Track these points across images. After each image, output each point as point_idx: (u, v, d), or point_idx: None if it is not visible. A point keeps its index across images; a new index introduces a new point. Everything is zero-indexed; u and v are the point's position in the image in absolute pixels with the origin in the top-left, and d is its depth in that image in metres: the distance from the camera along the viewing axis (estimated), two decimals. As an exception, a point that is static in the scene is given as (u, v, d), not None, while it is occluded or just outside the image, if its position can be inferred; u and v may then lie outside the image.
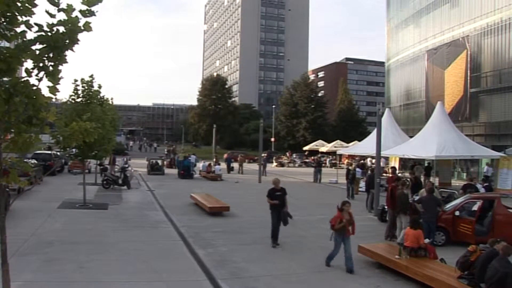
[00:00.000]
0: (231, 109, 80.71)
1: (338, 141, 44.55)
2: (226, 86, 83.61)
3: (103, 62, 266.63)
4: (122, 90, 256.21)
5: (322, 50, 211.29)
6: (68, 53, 4.36)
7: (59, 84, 4.44)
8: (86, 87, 16.66)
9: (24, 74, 4.30)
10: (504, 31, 29.13)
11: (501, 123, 29.32)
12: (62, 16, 4.20)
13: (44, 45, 4.19)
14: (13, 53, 4.09)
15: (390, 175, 18.66)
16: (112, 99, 22.47)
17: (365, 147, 26.95)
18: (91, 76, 16.99)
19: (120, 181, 22.01)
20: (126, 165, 24.91)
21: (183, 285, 8.11)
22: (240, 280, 8.41)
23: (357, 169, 23.19)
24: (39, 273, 8.24)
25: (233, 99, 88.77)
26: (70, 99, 16.69)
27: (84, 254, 9.58)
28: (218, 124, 59.71)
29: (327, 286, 8.48)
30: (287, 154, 51.58)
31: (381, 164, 20.76)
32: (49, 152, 27.22)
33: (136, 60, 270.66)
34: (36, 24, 4.15)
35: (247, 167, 42.45)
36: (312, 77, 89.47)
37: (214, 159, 33.89)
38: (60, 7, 4.18)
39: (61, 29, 4.19)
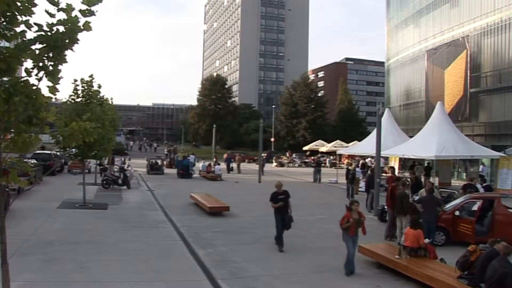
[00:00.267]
0: (231, 109, 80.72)
1: (338, 141, 44.56)
2: (226, 86, 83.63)
3: (103, 62, 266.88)
4: (122, 90, 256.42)
5: (322, 50, 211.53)
6: (68, 52, 4.36)
7: (59, 84, 4.44)
8: (86, 87, 16.63)
9: (24, 73, 4.30)
10: (504, 31, 29.14)
11: (501, 123, 29.33)
12: (61, 15, 4.20)
13: (44, 45, 4.19)
14: (13, 52, 4.09)
15: (389, 175, 18.64)
16: (111, 99, 22.47)
17: (365, 147, 26.95)
18: (91, 76, 16.98)
19: (120, 181, 22.01)
20: (124, 165, 24.95)
21: (183, 285, 8.11)
22: (240, 280, 8.41)
23: (357, 169, 23.19)
24: (39, 273, 8.24)
25: (233, 99, 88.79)
26: (70, 99, 16.67)
27: (84, 254, 9.58)
28: (218, 124, 59.68)
29: (327, 286, 8.47)
30: (287, 154, 51.59)
31: (381, 164, 20.76)
32: (48, 152, 27.20)
33: (136, 60, 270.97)
34: (35, 23, 4.15)
35: (247, 167, 42.49)
36: (312, 77, 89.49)
37: (214, 159, 33.94)
38: (60, 6, 4.18)
39: (61, 28, 4.19)
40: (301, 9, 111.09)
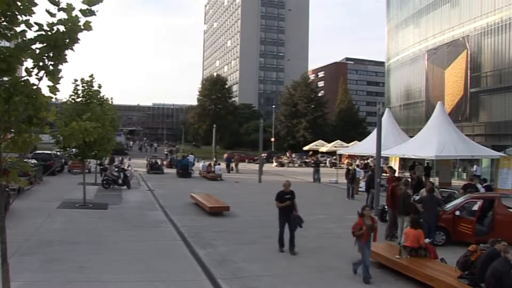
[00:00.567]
0: (231, 109, 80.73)
1: (338, 141, 44.58)
2: (226, 86, 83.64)
3: (103, 62, 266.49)
4: (122, 90, 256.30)
5: (322, 50, 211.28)
6: (68, 52, 4.35)
7: (59, 83, 4.43)
8: (86, 87, 16.64)
9: (24, 73, 4.30)
10: (504, 31, 29.14)
11: (501, 123, 29.34)
12: (62, 15, 4.20)
13: (44, 45, 4.19)
14: (13, 52, 4.09)
15: (388, 174, 18.66)
16: (112, 99, 22.46)
17: (365, 147, 26.98)
18: (91, 76, 16.99)
19: (120, 181, 22.02)
20: (121, 165, 24.94)
21: (183, 285, 8.11)
22: (240, 280, 8.40)
23: (357, 169, 23.20)
24: (39, 273, 8.24)
25: (233, 99, 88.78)
26: (70, 99, 16.67)
27: (84, 254, 9.57)
28: (218, 124, 59.71)
29: (327, 286, 8.47)
30: (287, 154, 51.61)
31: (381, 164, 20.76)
32: (48, 152, 27.19)
33: (136, 60, 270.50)
34: (36, 23, 4.15)
35: (247, 167, 42.52)
36: (312, 77, 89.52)
37: (214, 159, 34.02)
38: (60, 6, 4.18)
39: (61, 28, 4.19)
40: (301, 9, 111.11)
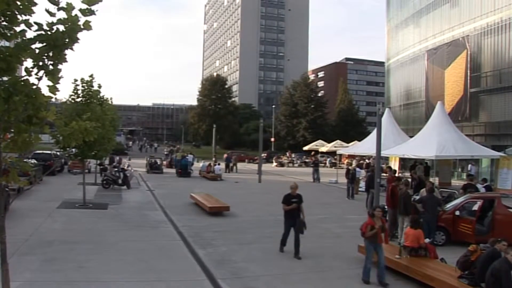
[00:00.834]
0: (231, 109, 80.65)
1: (338, 141, 44.55)
2: (226, 86, 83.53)
3: (103, 62, 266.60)
4: (122, 90, 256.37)
5: (322, 50, 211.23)
6: (68, 52, 4.34)
7: (59, 83, 4.42)
8: (86, 87, 16.63)
9: (24, 73, 4.29)
10: (504, 31, 29.14)
11: (501, 123, 29.34)
12: (62, 15, 4.19)
13: (44, 44, 4.18)
14: (12, 52, 4.08)
15: (388, 175, 18.64)
16: (111, 99, 22.47)
17: (365, 147, 26.97)
18: (91, 76, 16.98)
19: (119, 181, 22.02)
20: (119, 165, 24.94)
21: (183, 285, 8.10)
22: (240, 280, 8.40)
23: (357, 169, 23.19)
24: (39, 273, 8.23)
25: (233, 99, 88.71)
26: (70, 99, 16.67)
27: (83, 254, 9.57)
28: (218, 124, 59.62)
29: (327, 286, 8.46)
30: (287, 154, 51.61)
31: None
32: (48, 152, 27.18)
33: (136, 60, 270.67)
34: (36, 23, 4.14)
35: (247, 167, 42.53)
36: (312, 77, 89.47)
37: (213, 159, 34.11)
38: (60, 6, 4.17)
39: (61, 28, 4.18)
40: (301, 9, 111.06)
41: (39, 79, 4.29)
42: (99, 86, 17.42)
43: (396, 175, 19.76)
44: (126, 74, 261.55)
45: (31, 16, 4.12)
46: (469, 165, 27.36)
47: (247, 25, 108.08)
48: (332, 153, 44.39)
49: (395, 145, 23.21)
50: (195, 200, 17.04)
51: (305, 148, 49.76)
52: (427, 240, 9.56)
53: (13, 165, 4.71)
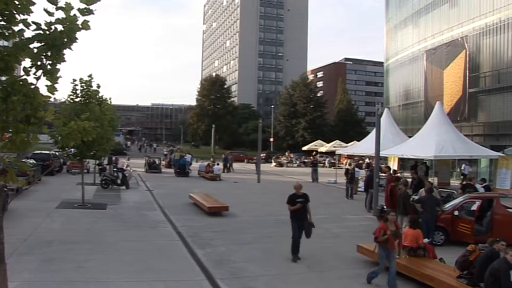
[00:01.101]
0: (230, 109, 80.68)
1: (337, 141, 44.50)
2: (225, 86, 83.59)
3: (102, 61, 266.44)
4: (121, 90, 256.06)
5: (321, 50, 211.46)
6: (67, 52, 4.33)
7: (57, 83, 4.41)
8: (84, 87, 16.60)
9: (22, 72, 4.28)
10: (502, 31, 29.18)
11: (499, 123, 29.37)
12: (60, 14, 4.17)
13: (42, 44, 4.16)
14: (11, 51, 4.06)
15: (385, 174, 18.67)
16: (110, 99, 22.43)
17: (364, 147, 26.96)
18: (90, 75, 16.95)
19: (118, 181, 21.99)
20: (115, 165, 24.91)
21: (182, 285, 8.10)
22: (239, 280, 8.40)
23: (356, 169, 23.19)
24: (38, 273, 8.22)
25: (232, 99, 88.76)
26: (69, 99, 16.63)
27: (82, 254, 9.56)
28: (217, 124, 59.70)
29: (327, 286, 8.46)
30: (286, 154, 51.60)
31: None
32: (47, 152, 27.13)
33: (135, 60, 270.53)
34: (34, 22, 4.13)
35: (246, 166, 42.52)
36: (311, 77, 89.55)
37: (211, 159, 34.20)
38: (59, 5, 4.15)
39: (59, 27, 4.17)
40: (300, 9, 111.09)
41: (38, 78, 4.28)
42: (98, 86, 17.39)
43: (395, 174, 19.77)
44: (125, 74, 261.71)
45: (29, 15, 4.11)
46: (463, 165, 27.34)
47: (246, 25, 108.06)
48: (331, 153, 44.40)
49: (394, 145, 23.20)
50: (194, 200, 17.03)
51: (304, 148, 49.75)
52: (426, 240, 9.57)
53: (11, 165, 4.69)
